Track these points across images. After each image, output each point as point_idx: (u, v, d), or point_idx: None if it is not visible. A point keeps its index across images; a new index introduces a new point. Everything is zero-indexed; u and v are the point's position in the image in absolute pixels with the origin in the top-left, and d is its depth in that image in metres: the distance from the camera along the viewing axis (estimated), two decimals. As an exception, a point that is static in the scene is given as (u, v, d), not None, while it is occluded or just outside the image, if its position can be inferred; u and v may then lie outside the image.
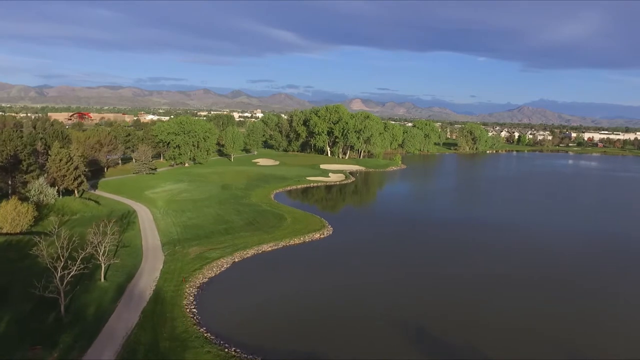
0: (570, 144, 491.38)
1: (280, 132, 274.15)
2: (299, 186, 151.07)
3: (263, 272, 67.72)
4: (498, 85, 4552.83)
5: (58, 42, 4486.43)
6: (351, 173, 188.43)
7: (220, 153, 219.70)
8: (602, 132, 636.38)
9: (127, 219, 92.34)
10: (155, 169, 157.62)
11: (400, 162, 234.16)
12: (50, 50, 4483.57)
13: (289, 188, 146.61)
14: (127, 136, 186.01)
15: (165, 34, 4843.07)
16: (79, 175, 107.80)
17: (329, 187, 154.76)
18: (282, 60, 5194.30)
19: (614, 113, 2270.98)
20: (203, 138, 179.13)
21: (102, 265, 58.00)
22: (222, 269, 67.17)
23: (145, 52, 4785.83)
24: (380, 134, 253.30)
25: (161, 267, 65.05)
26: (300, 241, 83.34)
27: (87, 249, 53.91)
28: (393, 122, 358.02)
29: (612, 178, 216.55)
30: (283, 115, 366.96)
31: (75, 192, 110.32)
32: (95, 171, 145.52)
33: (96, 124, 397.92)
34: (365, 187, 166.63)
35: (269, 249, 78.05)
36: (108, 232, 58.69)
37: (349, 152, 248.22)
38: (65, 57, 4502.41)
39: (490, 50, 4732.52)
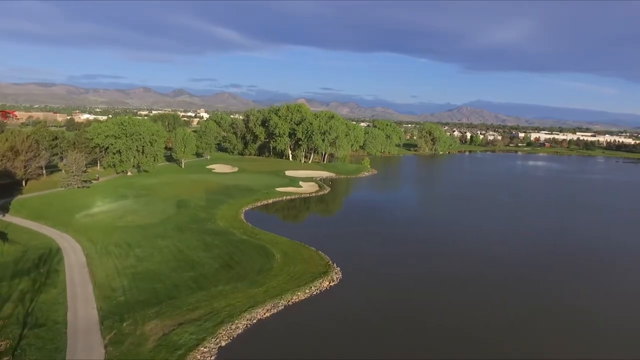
0: (519, 144, 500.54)
1: (235, 133, 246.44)
2: (270, 200, 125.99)
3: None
4: (438, 86, 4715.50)
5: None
6: (322, 181, 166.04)
7: (168, 158, 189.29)
8: (542, 132, 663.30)
9: (46, 266, 63.92)
10: (90, 181, 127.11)
11: (369, 166, 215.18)
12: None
13: (259, 203, 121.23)
14: (53, 140, 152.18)
15: (101, 28, 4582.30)
16: (-23, 199, 77.51)
17: (304, 200, 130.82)
18: (225, 58, 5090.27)
19: (544, 114, 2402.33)
20: (149, 142, 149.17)
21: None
22: (204, 367, 41.72)
23: (79, 47, 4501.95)
24: (346, 135, 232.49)
25: (100, 377, 38.46)
26: (305, 295, 58.21)
27: None
28: (354, 122, 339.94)
29: (590, 182, 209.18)
30: (233, 116, 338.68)
31: (-27, 221, 79.78)
32: (7, 186, 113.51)
33: (22, 123, 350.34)
34: (347, 199, 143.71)
35: (266, 313, 52.41)
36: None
37: (312, 155, 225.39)
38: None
39: (431, 52, 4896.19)
